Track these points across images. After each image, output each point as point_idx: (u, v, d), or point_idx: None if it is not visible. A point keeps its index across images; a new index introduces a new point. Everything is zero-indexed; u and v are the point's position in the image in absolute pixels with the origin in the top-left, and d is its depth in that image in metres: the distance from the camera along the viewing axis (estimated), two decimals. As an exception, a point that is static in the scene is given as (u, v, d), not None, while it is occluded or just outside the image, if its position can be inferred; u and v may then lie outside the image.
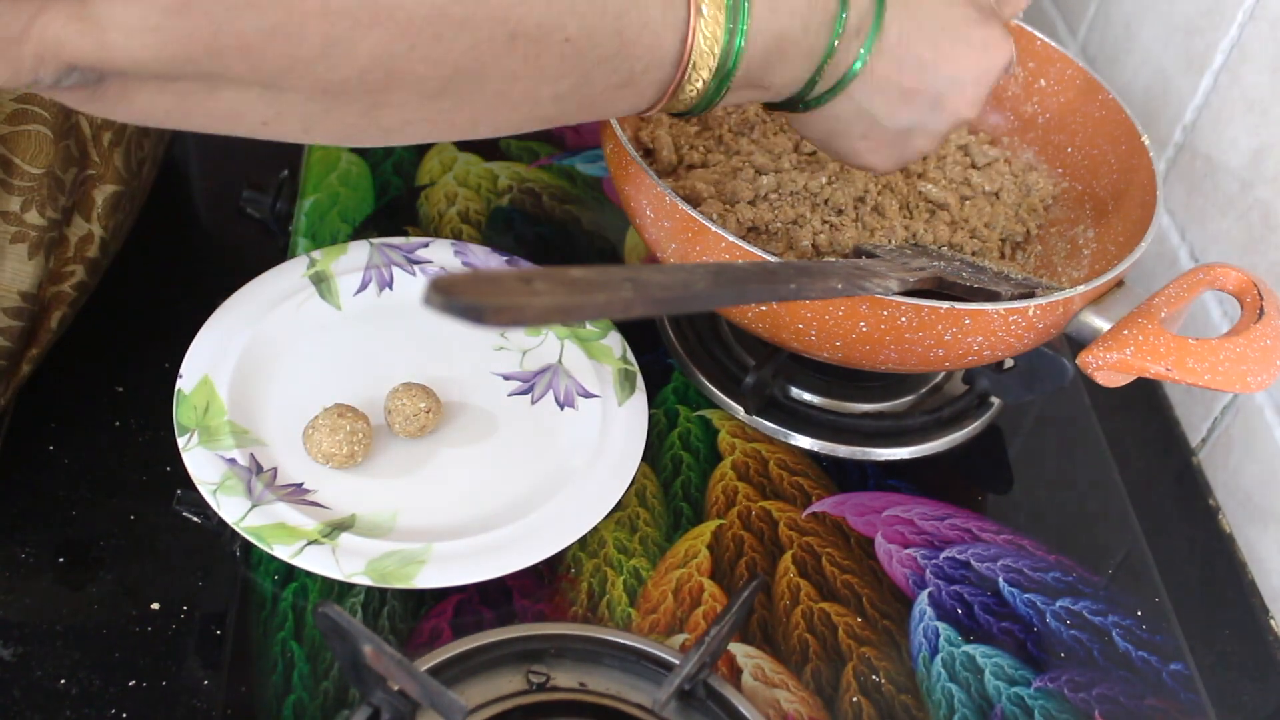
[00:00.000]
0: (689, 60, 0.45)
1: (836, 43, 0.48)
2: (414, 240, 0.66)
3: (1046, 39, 0.67)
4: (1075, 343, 0.55)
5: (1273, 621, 0.62)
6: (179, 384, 0.56)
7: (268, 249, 0.70)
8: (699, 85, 0.46)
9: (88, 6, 0.34)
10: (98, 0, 0.34)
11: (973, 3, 0.52)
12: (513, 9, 0.40)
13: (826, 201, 0.64)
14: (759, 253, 0.50)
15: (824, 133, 0.53)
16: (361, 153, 0.74)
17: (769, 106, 0.52)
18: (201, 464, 0.53)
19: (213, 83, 0.38)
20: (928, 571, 0.58)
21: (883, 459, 0.63)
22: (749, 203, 0.62)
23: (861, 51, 0.49)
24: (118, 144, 0.60)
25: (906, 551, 0.58)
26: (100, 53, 0.35)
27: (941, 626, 0.56)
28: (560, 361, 0.62)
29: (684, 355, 0.65)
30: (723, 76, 0.46)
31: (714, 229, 0.51)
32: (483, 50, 0.40)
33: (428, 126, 0.43)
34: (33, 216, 0.55)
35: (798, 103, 0.51)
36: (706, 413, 0.63)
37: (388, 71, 0.39)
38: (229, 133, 0.41)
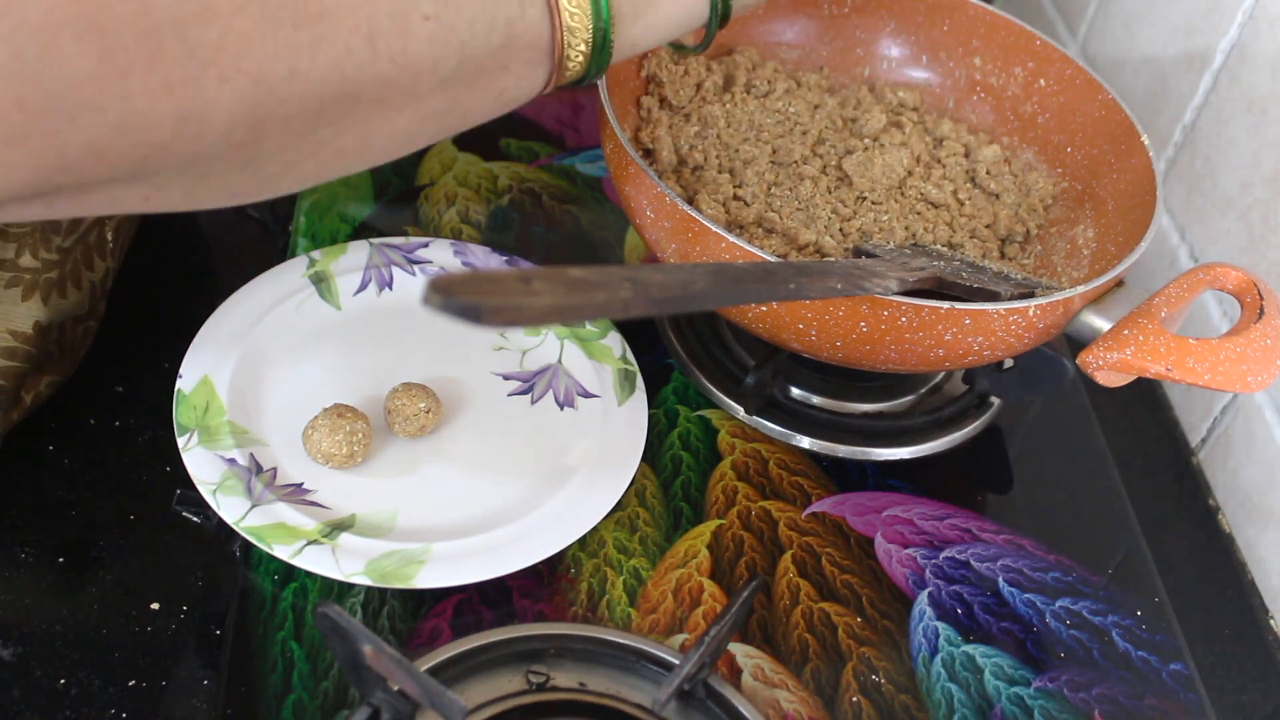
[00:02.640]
0: None
1: None
2: (414, 240, 0.66)
3: (1046, 39, 0.67)
4: (1075, 343, 0.55)
5: (1273, 621, 0.62)
6: (179, 384, 0.56)
7: (268, 249, 0.70)
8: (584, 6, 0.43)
9: None
10: None
11: None
12: (359, 9, 0.37)
13: (827, 202, 0.64)
14: (759, 253, 0.50)
15: None
16: (361, 153, 0.74)
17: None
18: (201, 464, 0.53)
19: (77, 188, 0.36)
20: (927, 571, 0.58)
21: (882, 459, 0.63)
22: (749, 202, 0.62)
23: None
24: None
25: (906, 551, 0.58)
26: None
27: (941, 626, 0.56)
28: (560, 361, 0.62)
29: (684, 355, 0.65)
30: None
31: (714, 229, 0.51)
32: (345, 65, 0.38)
33: (315, 164, 0.41)
34: (27, 260, 0.53)
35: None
36: (706, 413, 0.63)
37: (250, 125, 0.37)
38: (112, 213, 0.40)
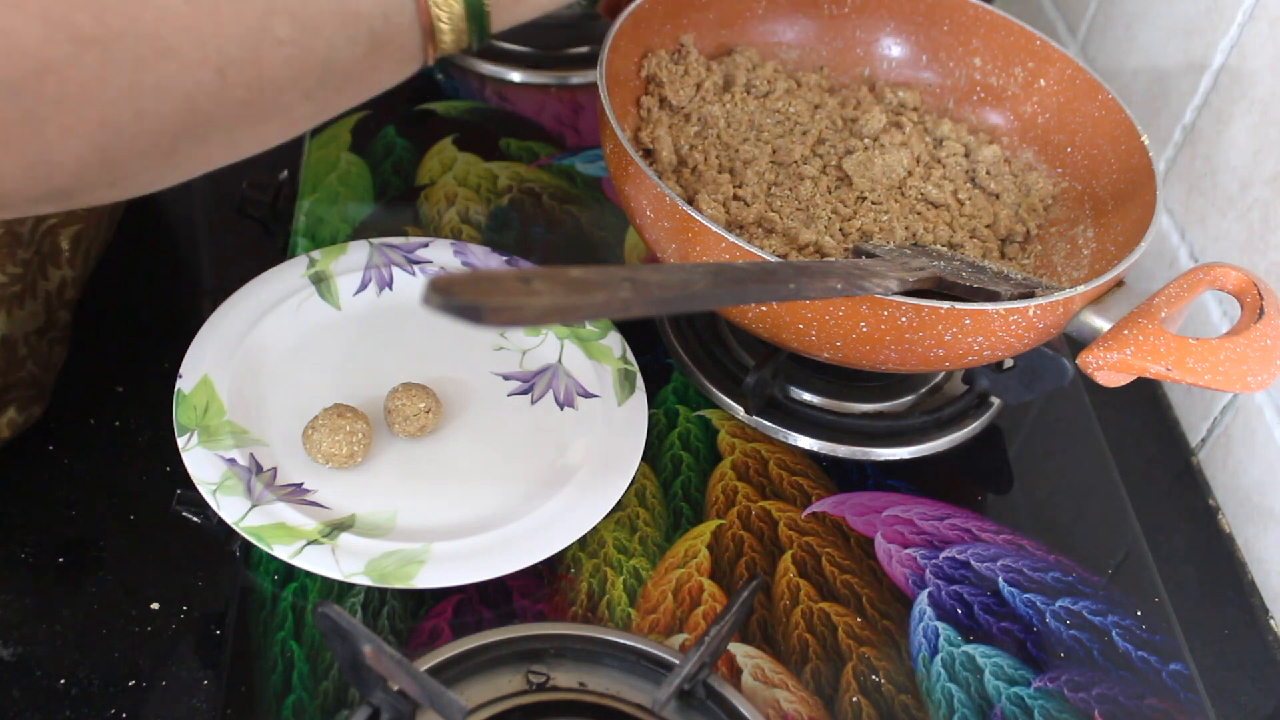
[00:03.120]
0: None
1: None
2: (414, 240, 0.66)
3: (1047, 39, 0.67)
4: (1075, 343, 0.55)
5: (1273, 621, 0.62)
6: (179, 384, 0.56)
7: (268, 249, 0.70)
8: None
9: None
10: None
11: None
12: (208, 44, 0.36)
13: (827, 202, 0.64)
14: (759, 253, 0.50)
15: None
16: (361, 152, 0.74)
17: None
18: (201, 464, 0.53)
19: None
20: (927, 571, 0.58)
21: (882, 459, 0.63)
22: (749, 202, 0.62)
23: None
24: None
25: (906, 551, 0.58)
26: None
27: (941, 626, 0.56)
28: (560, 361, 0.62)
29: (684, 355, 0.65)
30: None
31: (714, 229, 0.51)
32: (196, 98, 0.37)
33: (183, 172, 0.40)
34: None
35: None
36: (706, 413, 0.63)
37: (103, 162, 0.36)
38: None
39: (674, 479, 0.60)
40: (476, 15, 0.43)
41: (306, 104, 0.41)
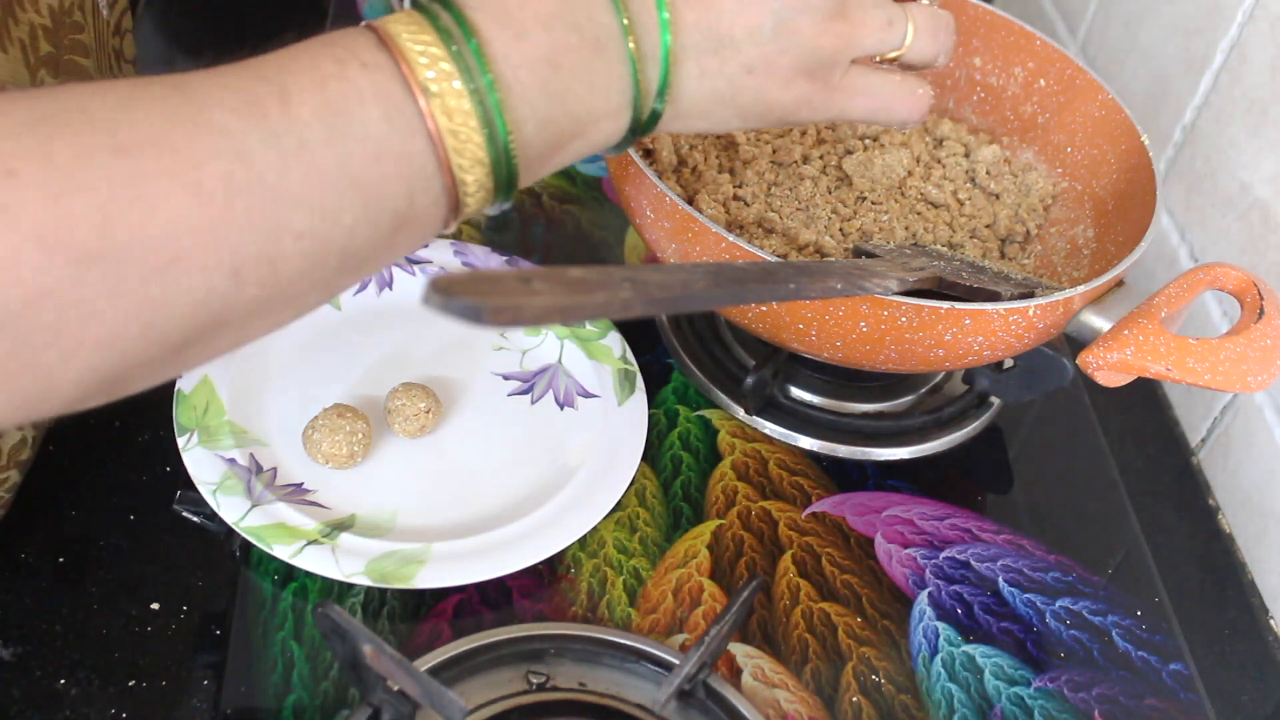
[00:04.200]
0: (446, 151, 0.36)
1: (625, 21, 0.39)
2: (414, 240, 0.66)
3: (1047, 39, 0.67)
4: (1075, 343, 0.55)
5: (1273, 621, 0.62)
6: (179, 384, 0.56)
7: (268, 249, 0.69)
8: (482, 170, 0.37)
9: None
10: None
11: None
12: (221, 246, 0.33)
13: (827, 202, 0.64)
14: (759, 253, 0.50)
15: (706, 113, 0.44)
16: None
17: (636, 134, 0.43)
18: (201, 464, 0.53)
19: None
20: (928, 571, 0.58)
21: (883, 459, 0.63)
22: (749, 202, 0.62)
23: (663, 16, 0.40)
24: None
25: (906, 551, 0.58)
26: None
27: (941, 626, 0.56)
28: (560, 361, 0.62)
29: (684, 355, 0.65)
30: (502, 145, 0.37)
31: (714, 229, 0.51)
32: (208, 303, 0.34)
33: (187, 367, 0.38)
34: None
35: (645, 117, 0.42)
36: (706, 413, 0.63)
37: (103, 382, 0.33)
38: None
39: (674, 479, 0.60)
40: (504, 180, 0.38)
41: (319, 291, 0.38)
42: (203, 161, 0.32)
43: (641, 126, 0.43)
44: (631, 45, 0.40)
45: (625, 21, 0.40)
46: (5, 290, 0.30)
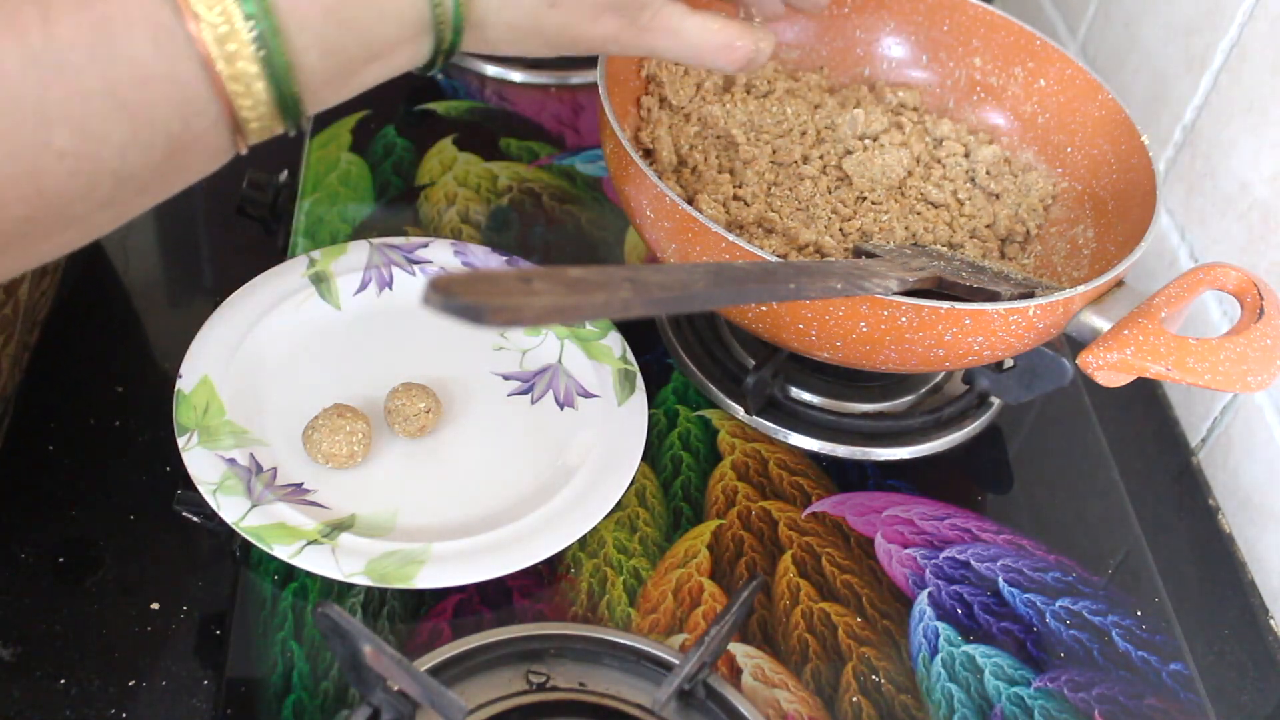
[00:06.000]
0: (220, 77, 0.36)
1: None
2: (414, 240, 0.66)
3: (1047, 39, 0.67)
4: (1075, 343, 0.55)
5: (1273, 621, 0.62)
6: (179, 384, 0.56)
7: (268, 249, 0.69)
8: (260, 95, 0.37)
9: None
10: None
11: None
12: None
13: (827, 202, 0.64)
14: (759, 253, 0.50)
15: (514, 41, 0.45)
16: (361, 152, 0.74)
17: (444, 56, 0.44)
18: (201, 464, 0.53)
19: None
20: (928, 571, 0.58)
21: (883, 459, 0.63)
22: (749, 202, 0.62)
23: None
24: None
25: (906, 551, 0.58)
26: None
27: (941, 626, 0.56)
28: (560, 361, 0.62)
29: (684, 355, 0.65)
30: (281, 70, 0.37)
31: (714, 229, 0.51)
32: None
33: None
34: None
35: (447, 44, 0.42)
36: (706, 413, 0.63)
37: None
38: None
39: (674, 479, 0.60)
40: (286, 105, 0.39)
41: (104, 212, 0.38)
42: None
43: (446, 51, 0.43)
44: None
45: None
46: None
